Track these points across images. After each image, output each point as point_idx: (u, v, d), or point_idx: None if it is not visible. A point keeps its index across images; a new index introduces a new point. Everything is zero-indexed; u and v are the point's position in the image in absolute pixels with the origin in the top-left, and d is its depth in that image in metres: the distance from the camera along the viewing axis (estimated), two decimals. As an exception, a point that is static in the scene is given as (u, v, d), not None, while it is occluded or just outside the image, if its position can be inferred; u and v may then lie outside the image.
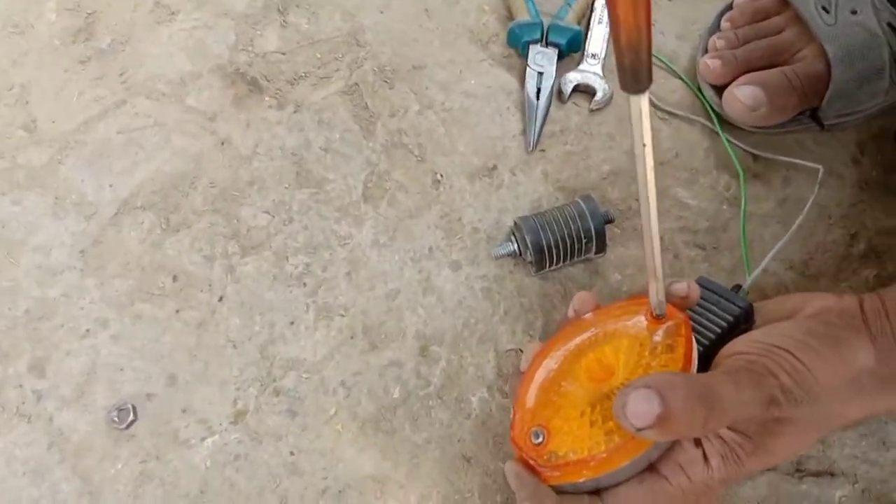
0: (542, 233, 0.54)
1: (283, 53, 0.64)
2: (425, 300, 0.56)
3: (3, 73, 0.63)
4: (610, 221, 0.55)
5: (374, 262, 0.57)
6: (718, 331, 0.46)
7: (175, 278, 0.56)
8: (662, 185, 0.59)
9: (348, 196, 0.59)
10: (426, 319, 0.56)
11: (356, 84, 0.63)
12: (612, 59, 0.63)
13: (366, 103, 0.62)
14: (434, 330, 0.55)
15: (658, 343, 0.43)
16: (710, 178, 0.60)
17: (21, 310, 0.55)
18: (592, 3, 0.65)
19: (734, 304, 0.47)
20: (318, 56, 0.64)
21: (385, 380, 0.54)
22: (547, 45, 0.62)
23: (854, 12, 0.57)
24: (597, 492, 0.43)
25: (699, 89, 0.62)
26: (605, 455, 0.41)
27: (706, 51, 0.62)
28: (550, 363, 0.45)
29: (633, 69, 0.30)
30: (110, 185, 0.59)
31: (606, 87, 0.61)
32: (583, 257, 0.56)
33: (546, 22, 0.63)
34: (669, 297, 0.45)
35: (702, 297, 0.47)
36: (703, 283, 0.48)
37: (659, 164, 0.60)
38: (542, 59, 0.62)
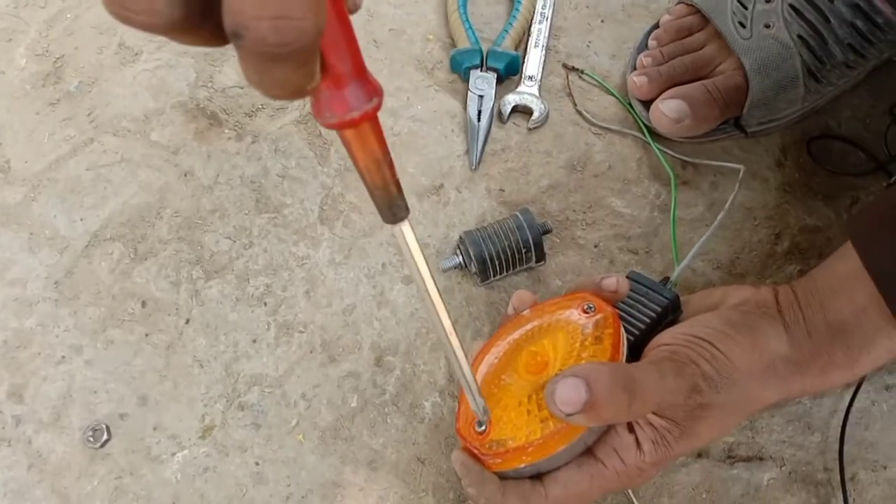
0: (484, 245, 0.58)
1: (241, 87, 0.68)
2: (380, 313, 0.60)
3: (-24, 119, 0.66)
4: (547, 232, 0.59)
5: (331, 280, 0.61)
6: (648, 320, 0.50)
7: (144, 304, 0.60)
8: (597, 195, 0.63)
9: (305, 219, 0.63)
10: (381, 331, 0.59)
11: (310, 113, 0.67)
12: (549, 80, 0.68)
13: (319, 131, 0.66)
14: (389, 341, 0.59)
15: (589, 335, 0.46)
16: (641, 188, 0.64)
17: (-1, 340, 0.58)
18: (529, 29, 0.69)
19: (662, 295, 0.51)
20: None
21: (343, 390, 0.58)
22: (486, 69, 0.66)
23: (768, 26, 0.61)
24: (538, 476, 0.46)
25: (630, 105, 0.66)
26: (541, 441, 0.44)
27: (635, 68, 0.66)
28: (492, 358, 0.49)
29: (387, 203, 0.30)
30: (81, 220, 0.63)
31: (543, 106, 0.65)
32: (524, 266, 0.60)
33: (485, 48, 0.67)
34: (601, 292, 0.49)
35: (633, 290, 0.51)
36: (633, 277, 0.52)
37: (594, 176, 0.64)
38: (483, 83, 0.66)
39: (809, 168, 0.65)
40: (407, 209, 0.31)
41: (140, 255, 0.61)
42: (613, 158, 0.65)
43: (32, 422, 0.56)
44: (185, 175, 0.64)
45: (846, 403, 0.55)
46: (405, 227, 0.32)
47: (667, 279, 0.55)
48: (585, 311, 0.48)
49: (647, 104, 0.64)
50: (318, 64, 0.25)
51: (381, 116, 0.69)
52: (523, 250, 0.58)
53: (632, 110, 0.66)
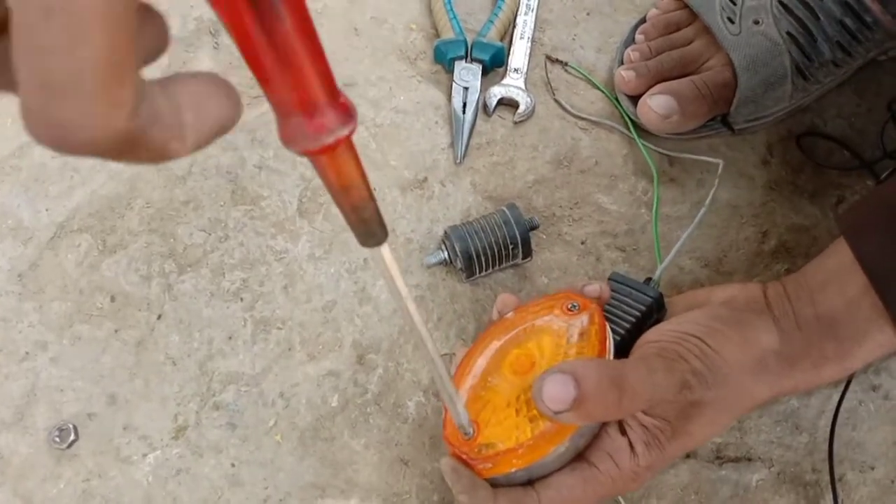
0: (470, 241, 0.56)
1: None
2: (361, 310, 0.58)
3: (-66, 102, 0.63)
4: (534, 228, 0.58)
5: (311, 275, 0.59)
6: (633, 320, 0.49)
7: (113, 299, 0.57)
8: (584, 191, 0.62)
9: (283, 212, 0.61)
10: (363, 329, 0.58)
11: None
12: (535, 73, 0.66)
13: (298, 121, 0.64)
14: (371, 339, 0.57)
15: (574, 333, 0.46)
16: (628, 184, 0.63)
17: (-42, 336, 0.55)
18: (514, 20, 0.67)
19: (646, 294, 0.50)
20: (251, 76, 0.65)
21: (323, 389, 0.56)
22: (471, 61, 0.65)
23: (756, 22, 0.61)
24: (530, 483, 0.45)
25: (616, 100, 0.65)
26: (531, 442, 0.43)
27: (622, 63, 0.65)
28: (477, 362, 0.48)
29: (364, 228, 0.28)
30: (47, 210, 0.60)
31: (529, 100, 0.64)
32: (510, 263, 0.58)
33: (470, 39, 0.65)
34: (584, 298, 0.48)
35: (616, 291, 0.50)
36: (616, 279, 0.51)
37: (580, 172, 0.63)
38: (468, 74, 0.64)
39: (796, 166, 0.64)
40: (385, 232, 0.29)
41: (109, 248, 0.59)
42: (600, 154, 0.63)
43: (-6, 422, 0.53)
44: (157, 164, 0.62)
45: (834, 404, 0.54)
46: (384, 250, 0.30)
47: (649, 279, 0.54)
48: (569, 310, 0.47)
49: (633, 99, 0.63)
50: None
51: (363, 107, 0.67)
52: (510, 246, 0.56)
53: (618, 105, 0.65)
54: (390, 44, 0.68)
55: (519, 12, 0.68)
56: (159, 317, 0.57)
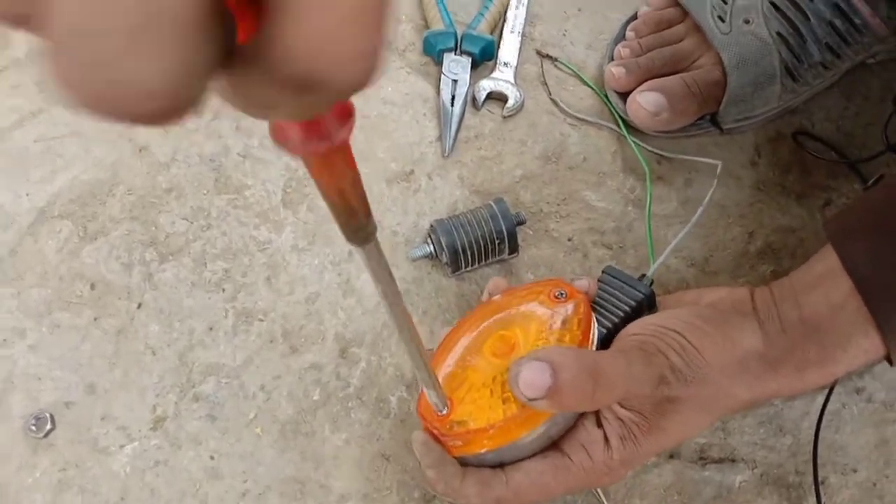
0: (456, 234, 0.56)
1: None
2: (345, 303, 0.58)
3: (-87, 83, 0.62)
4: (521, 223, 0.57)
5: (294, 266, 0.58)
6: (622, 314, 0.49)
7: (93, 286, 0.56)
8: (572, 188, 0.62)
9: (267, 201, 0.60)
10: (346, 322, 0.57)
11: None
12: (525, 68, 0.66)
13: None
14: (354, 332, 0.57)
15: (558, 321, 0.46)
16: (616, 181, 0.62)
17: (-67, 321, 0.54)
18: (505, 14, 0.67)
19: (638, 290, 0.50)
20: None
21: (305, 382, 0.55)
22: (461, 53, 0.64)
23: (747, 21, 0.61)
24: (500, 466, 0.45)
25: (606, 96, 0.65)
26: (502, 424, 0.43)
27: (612, 59, 0.65)
28: (459, 341, 0.48)
29: (354, 228, 0.28)
30: (27, 195, 0.59)
31: (518, 94, 0.63)
32: (497, 258, 0.58)
33: (460, 31, 0.65)
34: None
35: (608, 285, 0.50)
36: (609, 272, 0.51)
37: (568, 168, 0.63)
38: (457, 66, 0.64)
39: (784, 167, 0.64)
40: (375, 229, 0.28)
41: (90, 235, 0.58)
42: (589, 150, 0.63)
43: (-32, 409, 0.52)
44: (140, 151, 0.61)
45: (818, 406, 0.54)
46: (373, 245, 0.29)
47: (643, 275, 0.54)
48: (557, 298, 0.47)
49: (623, 96, 0.63)
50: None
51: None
52: (496, 241, 0.56)
53: (608, 102, 0.64)
54: (379, 35, 0.67)
55: (510, 6, 0.67)
56: (139, 306, 0.56)
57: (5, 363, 0.54)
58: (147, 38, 0.15)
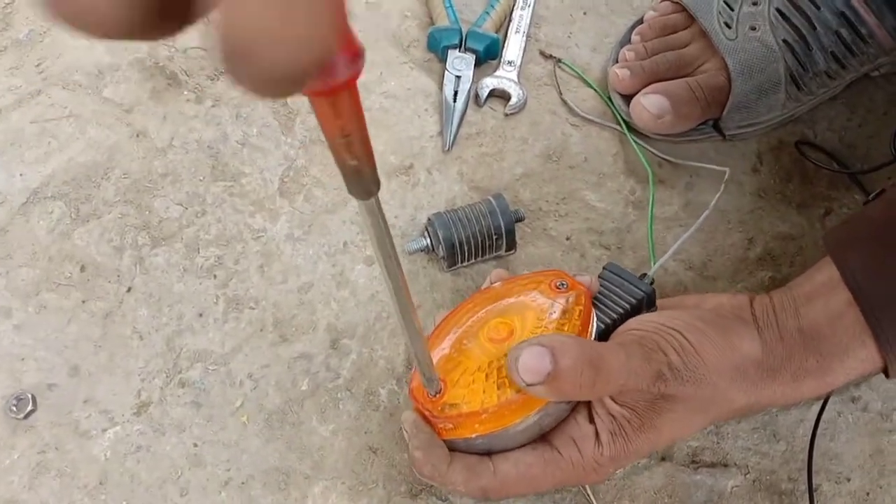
0: (454, 229, 0.55)
1: (205, 49, 0.64)
2: (338, 294, 0.57)
3: (-89, 58, 0.61)
4: (520, 220, 0.57)
5: (288, 255, 0.57)
6: (622, 311, 0.49)
7: (83, 268, 0.56)
8: (572, 187, 0.61)
9: (264, 190, 0.59)
10: (338, 313, 0.56)
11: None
12: (528, 68, 0.66)
13: (285, 100, 0.63)
14: (346, 323, 0.56)
15: (557, 310, 0.45)
16: (616, 183, 0.62)
17: (-82, 296, 0.53)
18: (510, 13, 0.67)
19: (639, 288, 0.50)
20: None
21: (294, 372, 0.54)
22: (465, 50, 0.64)
23: (753, 28, 0.60)
24: (489, 455, 0.44)
25: (609, 98, 0.64)
26: (495, 409, 0.42)
27: (617, 61, 0.64)
28: (456, 324, 0.47)
29: (357, 179, 0.27)
30: (21, 174, 0.58)
31: (521, 92, 0.63)
32: (494, 254, 0.57)
33: (465, 28, 0.64)
34: None
35: (610, 281, 0.50)
36: (611, 269, 0.51)
37: (569, 167, 0.62)
38: (461, 63, 0.63)
39: (785, 175, 0.64)
40: (378, 184, 0.28)
41: (82, 216, 0.57)
42: (590, 151, 0.63)
43: (-51, 386, 0.51)
44: (138, 135, 0.60)
45: (813, 413, 0.53)
46: (373, 204, 0.29)
47: (644, 274, 0.53)
48: (557, 288, 0.47)
49: (626, 99, 0.62)
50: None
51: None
52: (494, 237, 0.55)
53: (610, 104, 0.64)
54: (384, 29, 0.67)
55: (515, 6, 0.67)
56: (129, 289, 0.55)
57: (-11, 342, 0.53)
58: None
